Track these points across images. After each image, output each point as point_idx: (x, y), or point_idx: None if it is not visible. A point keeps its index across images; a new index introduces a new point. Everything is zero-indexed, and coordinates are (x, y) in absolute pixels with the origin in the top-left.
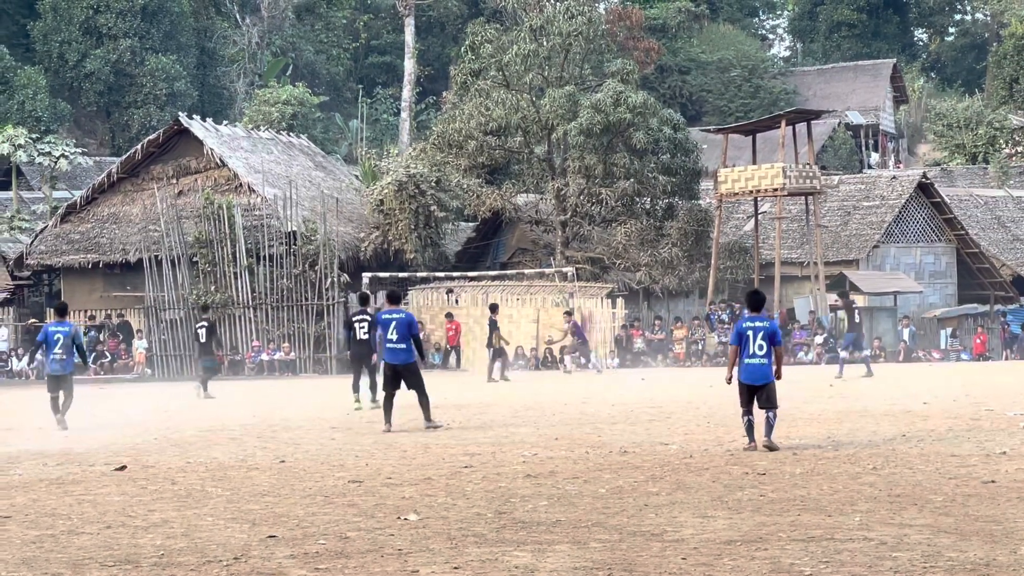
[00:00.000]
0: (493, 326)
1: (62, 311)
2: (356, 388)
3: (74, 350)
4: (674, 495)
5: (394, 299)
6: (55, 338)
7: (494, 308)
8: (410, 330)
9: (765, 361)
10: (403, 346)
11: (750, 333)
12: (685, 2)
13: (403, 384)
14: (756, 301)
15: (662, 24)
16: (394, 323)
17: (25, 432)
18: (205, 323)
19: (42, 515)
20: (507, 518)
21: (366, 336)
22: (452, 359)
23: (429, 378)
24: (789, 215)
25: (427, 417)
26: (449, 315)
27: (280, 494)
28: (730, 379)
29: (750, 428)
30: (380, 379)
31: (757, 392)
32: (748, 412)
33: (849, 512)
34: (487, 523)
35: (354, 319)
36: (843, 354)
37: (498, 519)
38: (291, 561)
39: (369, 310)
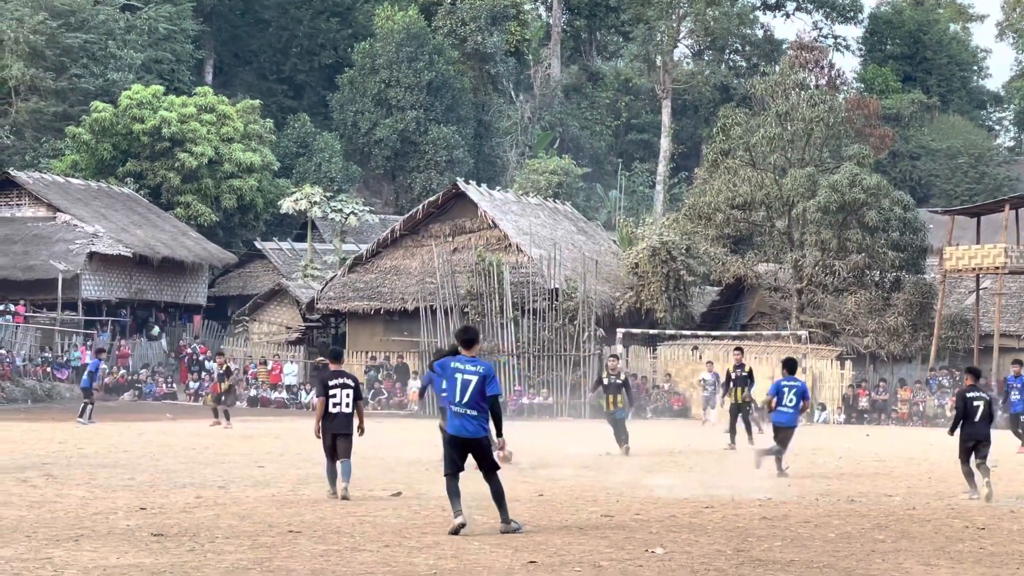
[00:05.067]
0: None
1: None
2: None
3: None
4: (899, 543)
5: (791, 368)
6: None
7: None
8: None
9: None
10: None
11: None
12: (918, 94)
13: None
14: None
15: (896, 113)
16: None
17: (316, 456)
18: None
19: (328, 532)
20: (745, 555)
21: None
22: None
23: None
24: (1009, 291)
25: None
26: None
27: (539, 524)
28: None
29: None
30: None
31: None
32: None
33: None
34: (727, 559)
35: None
36: None
37: (737, 556)
38: None
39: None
